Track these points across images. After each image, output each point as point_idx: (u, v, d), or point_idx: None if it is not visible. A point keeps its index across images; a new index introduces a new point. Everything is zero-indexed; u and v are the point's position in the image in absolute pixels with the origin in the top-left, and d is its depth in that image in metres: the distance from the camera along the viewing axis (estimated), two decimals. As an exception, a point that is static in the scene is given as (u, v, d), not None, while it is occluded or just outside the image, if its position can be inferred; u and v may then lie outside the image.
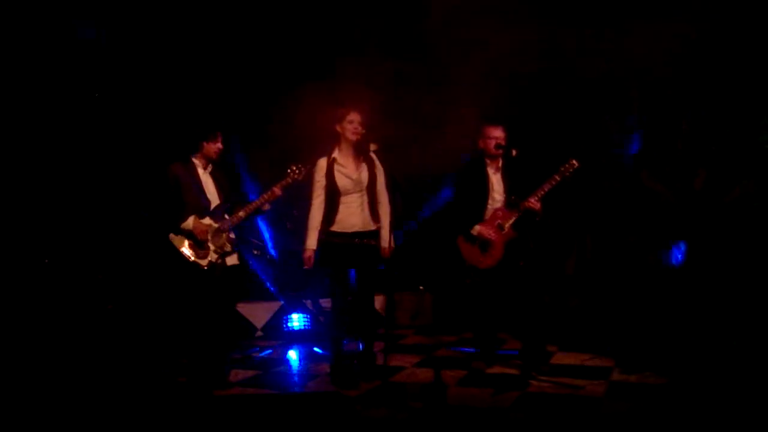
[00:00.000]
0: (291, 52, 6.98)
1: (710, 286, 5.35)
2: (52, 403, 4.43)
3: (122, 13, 6.30)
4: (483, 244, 4.90)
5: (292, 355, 6.10)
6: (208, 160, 4.69)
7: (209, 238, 4.53)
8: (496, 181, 5.00)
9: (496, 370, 5.06)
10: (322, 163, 4.81)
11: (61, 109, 6.36)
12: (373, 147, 4.55)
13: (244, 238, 6.33)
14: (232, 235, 4.69)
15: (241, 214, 4.64)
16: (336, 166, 4.76)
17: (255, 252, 7.26)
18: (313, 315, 6.98)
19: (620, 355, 5.20)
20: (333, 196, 4.76)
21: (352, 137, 4.73)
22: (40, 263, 6.14)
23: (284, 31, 6.87)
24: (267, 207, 4.71)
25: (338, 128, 4.79)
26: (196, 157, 4.66)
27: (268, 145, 7.12)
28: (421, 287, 7.50)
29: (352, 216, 4.75)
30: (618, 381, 4.65)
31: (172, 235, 4.51)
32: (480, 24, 6.32)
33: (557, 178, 4.75)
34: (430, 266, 7.31)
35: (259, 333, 6.90)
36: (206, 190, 4.63)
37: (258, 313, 6.97)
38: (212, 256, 4.54)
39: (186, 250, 4.49)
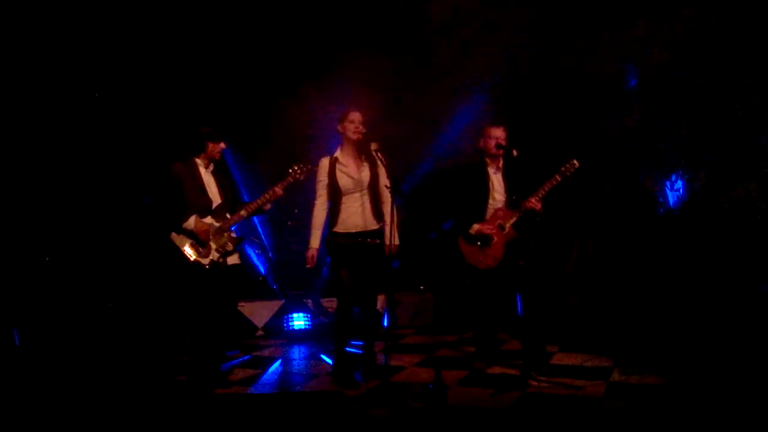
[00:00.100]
0: (291, 51, 6.99)
1: (709, 287, 5.36)
2: (52, 400, 4.44)
3: (128, 14, 6.31)
4: (483, 244, 4.90)
5: (293, 354, 6.11)
6: (210, 160, 4.70)
7: (211, 237, 4.53)
8: (496, 180, 5.00)
9: (496, 370, 5.07)
10: (325, 162, 4.82)
11: (63, 107, 6.37)
12: (373, 146, 4.56)
13: (245, 237, 6.34)
14: (234, 234, 4.69)
15: (243, 213, 4.65)
16: (338, 166, 4.78)
17: (256, 251, 7.28)
18: (314, 314, 6.99)
19: (620, 355, 5.21)
20: (335, 195, 4.78)
21: (353, 136, 4.74)
22: (41, 261, 6.15)
23: (284, 31, 6.87)
24: (268, 206, 4.71)
25: (339, 128, 4.81)
26: (198, 157, 4.66)
27: (269, 144, 7.13)
28: (421, 287, 7.51)
29: (354, 216, 4.77)
30: (617, 381, 4.66)
31: (173, 234, 4.52)
32: (480, 24, 6.33)
33: (558, 178, 4.75)
34: (430, 266, 7.32)
35: (260, 332, 6.91)
36: (208, 190, 4.64)
37: (259, 313, 6.98)
38: (214, 256, 4.54)
39: (188, 249, 4.49)
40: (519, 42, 6.35)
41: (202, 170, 4.66)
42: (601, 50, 6.11)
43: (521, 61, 6.50)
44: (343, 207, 4.77)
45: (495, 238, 4.88)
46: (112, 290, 6.38)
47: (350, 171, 4.77)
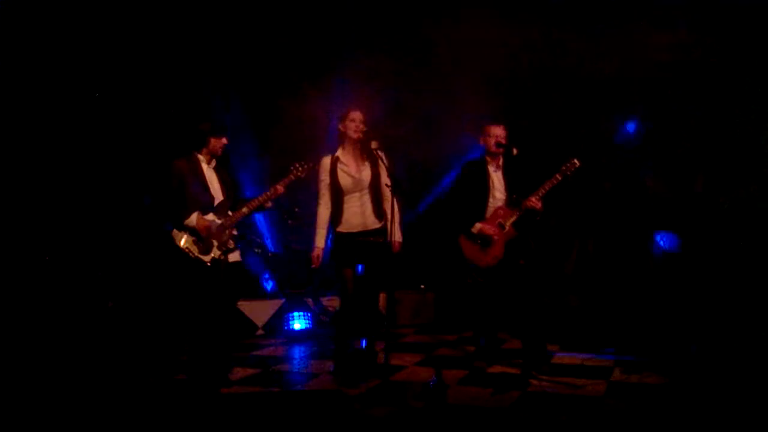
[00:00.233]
0: (291, 51, 6.99)
1: (710, 287, 5.36)
2: (52, 400, 4.43)
3: (130, 12, 6.31)
4: (484, 242, 4.90)
5: (294, 353, 6.11)
6: (212, 156, 4.69)
7: (212, 234, 4.53)
8: (497, 179, 5.01)
9: (496, 369, 5.07)
10: (326, 161, 4.82)
11: (63, 105, 6.36)
12: (374, 144, 4.56)
13: (245, 236, 6.34)
14: (235, 232, 4.69)
15: (244, 210, 4.65)
16: (339, 165, 4.78)
17: (256, 250, 7.28)
18: (315, 313, 6.99)
19: (620, 354, 5.21)
20: (337, 195, 4.78)
21: (354, 135, 4.74)
22: (41, 260, 6.15)
23: (285, 31, 6.87)
24: (269, 204, 4.72)
25: (340, 127, 4.81)
26: (200, 153, 4.65)
27: (269, 142, 7.13)
28: (422, 286, 7.51)
29: (355, 216, 4.77)
30: (618, 381, 4.66)
31: (175, 231, 4.51)
32: (482, 23, 6.33)
33: (558, 177, 4.75)
34: (431, 265, 7.32)
35: (260, 331, 6.91)
36: (210, 186, 4.63)
37: (259, 311, 6.98)
38: (215, 253, 4.54)
39: (189, 246, 4.49)
40: (521, 41, 6.35)
41: (204, 166, 4.65)
42: (601, 50, 6.12)
43: (522, 60, 6.51)
44: (345, 207, 4.78)
45: (495, 237, 4.88)
46: (112, 289, 6.38)
47: (351, 170, 4.77)
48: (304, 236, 7.30)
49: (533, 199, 4.77)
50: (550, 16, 6.30)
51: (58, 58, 6.20)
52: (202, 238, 4.50)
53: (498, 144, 4.89)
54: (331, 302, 6.98)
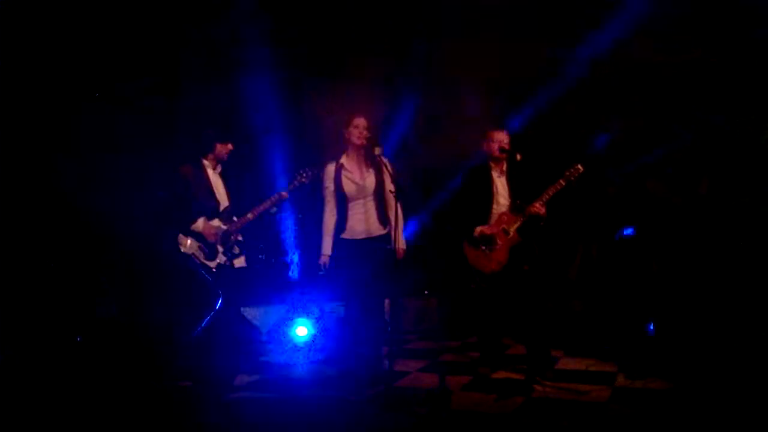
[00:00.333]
0: (296, 56, 7.00)
1: (714, 292, 5.35)
2: (56, 407, 4.44)
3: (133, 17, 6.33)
4: (488, 248, 4.91)
5: (298, 359, 6.11)
6: (218, 161, 4.71)
7: (218, 240, 4.54)
8: (500, 184, 5.02)
9: (500, 375, 5.06)
10: (330, 168, 4.84)
11: (66, 109, 6.38)
12: (377, 150, 4.57)
13: (249, 241, 6.34)
14: (240, 237, 4.71)
15: (249, 216, 4.67)
16: (343, 172, 4.79)
17: (260, 256, 7.28)
18: (319, 320, 6.99)
19: (624, 360, 5.20)
20: (342, 201, 4.80)
21: (358, 142, 4.76)
22: (45, 267, 6.16)
23: (289, 35, 6.89)
24: (274, 210, 4.74)
25: (344, 133, 4.82)
26: (206, 158, 4.68)
27: (274, 147, 7.13)
28: (426, 292, 7.50)
29: (359, 223, 4.79)
30: (622, 386, 4.65)
31: (181, 236, 4.53)
32: (485, 25, 6.34)
33: (562, 182, 4.76)
34: (435, 271, 7.31)
35: (265, 337, 6.90)
36: (216, 192, 4.65)
37: (263, 317, 6.98)
38: (221, 258, 4.56)
39: (195, 251, 4.50)
40: (524, 44, 6.35)
41: (209, 172, 4.67)
42: (605, 54, 6.12)
43: (526, 65, 6.51)
44: (350, 213, 4.80)
45: (499, 243, 4.88)
46: (116, 295, 6.38)
47: (355, 177, 4.79)
48: (308, 242, 7.34)
49: (537, 204, 4.77)
50: (551, 17, 6.31)
51: (60, 58, 6.22)
52: (207, 243, 4.51)
53: (501, 149, 4.90)
54: (336, 308, 6.98)
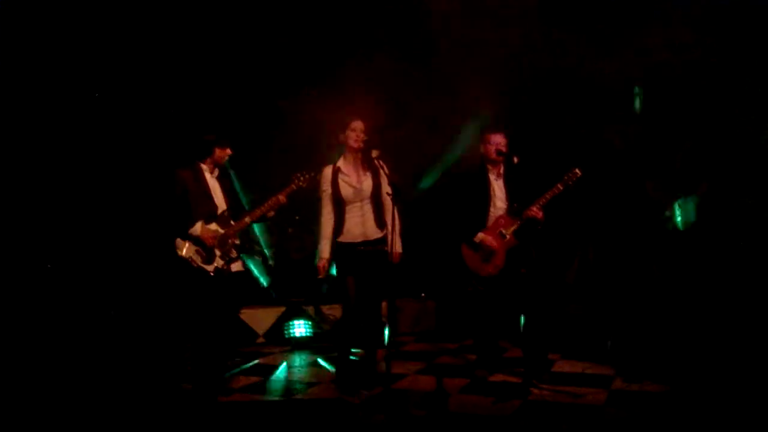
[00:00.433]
0: (294, 56, 7.00)
1: (711, 294, 5.37)
2: (55, 410, 4.44)
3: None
4: (485, 251, 4.91)
5: (295, 361, 6.11)
6: (215, 165, 4.72)
7: (216, 243, 4.55)
8: (497, 187, 5.02)
9: (497, 377, 5.07)
10: (327, 171, 4.83)
11: (67, 112, 6.38)
12: (374, 153, 4.57)
13: (246, 244, 6.35)
14: (237, 241, 4.71)
15: (247, 219, 4.66)
16: (340, 175, 4.79)
17: (256, 257, 7.29)
18: (316, 322, 6.99)
19: (621, 363, 5.21)
20: (339, 205, 4.79)
21: (355, 145, 4.75)
22: (43, 268, 6.15)
23: (288, 36, 6.89)
24: (272, 214, 4.73)
25: (341, 137, 4.82)
26: (204, 162, 4.68)
27: (270, 150, 7.13)
28: (423, 294, 7.51)
29: (356, 226, 4.78)
30: (619, 389, 4.66)
31: (178, 240, 4.53)
32: (483, 28, 6.35)
33: (560, 186, 4.75)
34: (432, 273, 7.32)
35: (261, 339, 6.90)
36: (214, 195, 4.65)
37: (260, 320, 6.98)
38: (218, 262, 4.55)
39: (192, 255, 4.50)
40: (522, 49, 6.36)
41: (207, 176, 4.67)
42: (605, 58, 6.13)
43: (524, 70, 6.53)
44: (347, 217, 4.79)
45: (496, 246, 4.89)
46: (114, 298, 6.38)
47: (352, 180, 4.79)
48: (304, 244, 7.34)
49: (534, 208, 4.77)
50: (554, 24, 6.32)
51: (62, 61, 6.21)
52: (205, 247, 4.52)
53: (498, 152, 4.90)
54: (332, 310, 6.98)
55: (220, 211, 4.63)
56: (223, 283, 4.58)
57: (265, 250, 7.55)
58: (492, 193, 4.99)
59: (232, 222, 4.66)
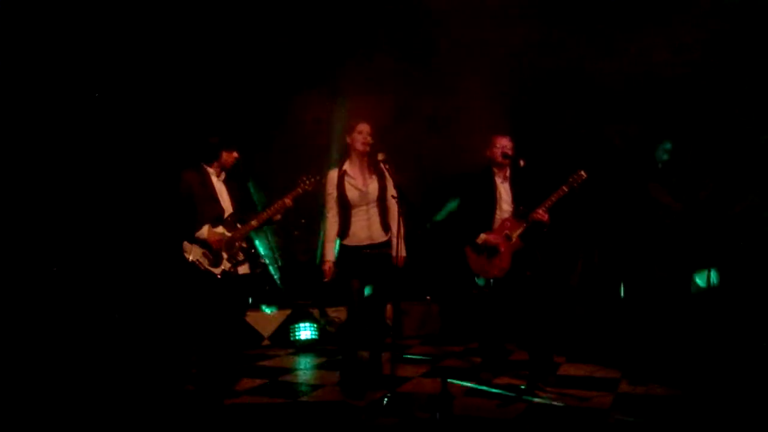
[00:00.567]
0: (296, 57, 7.01)
1: (717, 298, 5.35)
2: (61, 411, 4.45)
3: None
4: (490, 254, 4.91)
5: (300, 364, 6.12)
6: (222, 168, 4.72)
7: (223, 247, 4.55)
8: (504, 190, 5.02)
9: (502, 380, 5.07)
10: (333, 174, 4.84)
11: (72, 116, 6.40)
12: (380, 156, 4.57)
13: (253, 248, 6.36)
14: (244, 244, 4.71)
15: (254, 223, 4.67)
16: (346, 178, 4.79)
17: (257, 270, 7.31)
18: (321, 324, 7.00)
19: (627, 366, 5.20)
20: (345, 208, 4.79)
21: (361, 148, 4.75)
22: (49, 271, 6.17)
23: (290, 37, 6.90)
24: (278, 217, 4.74)
25: (348, 139, 4.82)
26: (210, 165, 4.68)
27: (275, 153, 7.14)
28: (428, 297, 7.51)
29: (362, 229, 4.78)
30: (625, 393, 4.65)
31: (185, 243, 4.53)
32: (483, 28, 6.36)
33: (565, 189, 4.76)
34: (437, 276, 7.32)
35: (266, 342, 6.91)
36: (220, 199, 4.66)
37: (265, 322, 6.99)
38: (225, 266, 4.56)
39: (199, 258, 4.51)
40: (525, 52, 6.36)
41: (214, 179, 4.68)
42: (608, 60, 6.13)
43: (524, 67, 6.53)
44: (353, 220, 4.79)
45: (502, 249, 4.89)
46: (119, 300, 6.40)
47: (358, 183, 4.79)
48: (310, 247, 7.35)
49: (540, 211, 4.77)
50: (551, 17, 6.32)
51: (65, 64, 6.24)
52: (212, 250, 4.52)
53: (504, 155, 4.91)
54: (337, 313, 6.99)
55: (227, 214, 4.63)
56: (230, 285, 4.59)
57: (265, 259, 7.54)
58: (498, 196, 4.99)
59: (238, 225, 4.66)
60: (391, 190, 4.64)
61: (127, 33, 6.39)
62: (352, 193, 4.77)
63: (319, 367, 5.94)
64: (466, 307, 6.88)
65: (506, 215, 4.96)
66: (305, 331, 6.91)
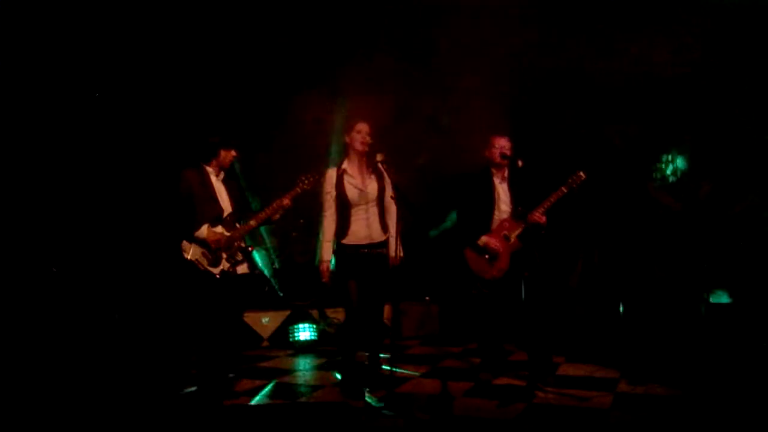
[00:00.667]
0: (296, 57, 7.01)
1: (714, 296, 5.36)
2: (60, 412, 4.44)
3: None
4: (490, 255, 4.91)
5: (299, 365, 6.11)
6: (220, 168, 4.72)
7: (222, 246, 4.55)
8: (502, 191, 5.01)
9: (502, 381, 5.06)
10: (332, 173, 4.83)
11: (72, 116, 6.40)
12: (379, 157, 4.56)
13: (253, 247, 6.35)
14: (243, 244, 4.71)
15: (252, 223, 4.66)
16: (345, 177, 4.79)
17: (256, 272, 7.30)
18: (320, 325, 6.99)
19: (626, 366, 5.20)
20: (344, 207, 4.79)
21: (360, 148, 4.75)
22: (48, 272, 6.16)
23: (289, 37, 6.90)
24: (277, 217, 4.73)
25: (347, 139, 4.82)
26: (209, 165, 4.68)
27: (273, 152, 7.14)
28: (427, 297, 7.51)
29: (361, 228, 4.78)
30: (624, 392, 4.65)
31: (184, 243, 4.53)
32: (483, 28, 6.36)
33: (564, 190, 4.76)
34: (436, 276, 7.32)
35: (266, 343, 6.91)
36: (219, 198, 4.65)
37: (265, 323, 6.98)
38: (224, 265, 4.56)
39: (198, 258, 4.50)
40: (525, 54, 6.37)
41: (213, 179, 4.67)
42: (608, 61, 6.13)
43: (524, 67, 6.53)
44: (352, 219, 4.79)
45: (501, 249, 4.89)
46: (119, 301, 6.39)
47: (358, 183, 4.78)
48: (308, 248, 7.35)
49: (537, 213, 4.77)
50: (551, 17, 6.32)
51: (65, 64, 6.23)
52: (211, 250, 4.52)
53: (503, 155, 4.90)
54: (336, 314, 6.99)
55: (225, 214, 4.63)
56: (228, 285, 4.58)
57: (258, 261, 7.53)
58: (496, 196, 4.99)
59: (237, 225, 4.66)
60: (390, 190, 4.64)
61: (127, 33, 6.39)
62: (351, 192, 4.77)
63: (318, 367, 5.94)
64: (465, 307, 6.87)
65: (505, 216, 4.96)
66: (304, 332, 6.90)
